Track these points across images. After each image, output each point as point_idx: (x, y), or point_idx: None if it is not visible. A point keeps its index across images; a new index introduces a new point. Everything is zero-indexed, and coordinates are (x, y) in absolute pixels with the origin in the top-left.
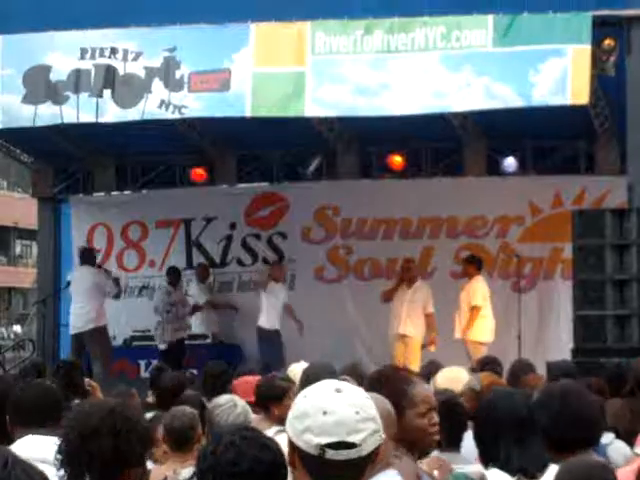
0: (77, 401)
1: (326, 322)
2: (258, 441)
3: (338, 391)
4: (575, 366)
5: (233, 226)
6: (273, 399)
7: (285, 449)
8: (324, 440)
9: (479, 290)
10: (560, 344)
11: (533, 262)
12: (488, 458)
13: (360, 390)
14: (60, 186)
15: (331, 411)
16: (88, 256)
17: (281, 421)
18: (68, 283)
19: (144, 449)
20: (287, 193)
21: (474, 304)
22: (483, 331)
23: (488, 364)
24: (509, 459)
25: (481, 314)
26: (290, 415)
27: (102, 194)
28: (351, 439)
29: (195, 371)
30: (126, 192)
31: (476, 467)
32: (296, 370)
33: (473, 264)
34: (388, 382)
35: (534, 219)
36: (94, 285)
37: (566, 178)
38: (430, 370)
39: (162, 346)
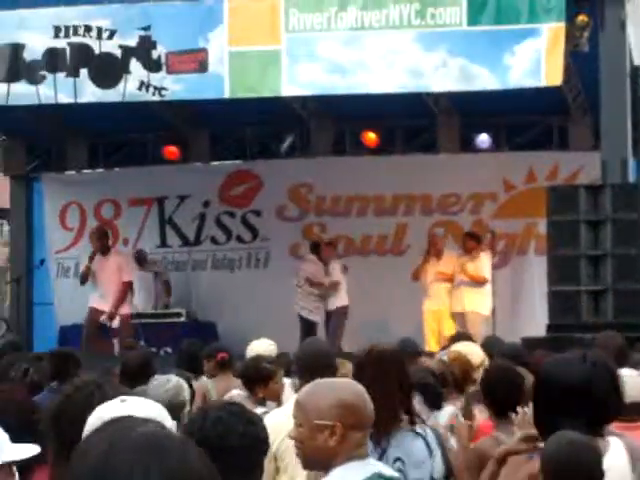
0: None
1: None
2: (244, 416)
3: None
4: (550, 341)
5: (207, 204)
6: (259, 382)
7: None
8: None
9: (486, 263)
10: (534, 320)
11: (507, 238)
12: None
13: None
14: (32, 164)
15: None
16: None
17: (264, 402)
18: (42, 261)
19: None
20: (261, 170)
21: (483, 275)
22: (487, 305)
23: (460, 340)
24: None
25: (487, 288)
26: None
27: (74, 172)
28: None
29: (169, 349)
30: (98, 170)
31: None
32: (256, 347)
33: (474, 238)
34: None
35: (507, 195)
36: None
37: (539, 154)
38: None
39: None
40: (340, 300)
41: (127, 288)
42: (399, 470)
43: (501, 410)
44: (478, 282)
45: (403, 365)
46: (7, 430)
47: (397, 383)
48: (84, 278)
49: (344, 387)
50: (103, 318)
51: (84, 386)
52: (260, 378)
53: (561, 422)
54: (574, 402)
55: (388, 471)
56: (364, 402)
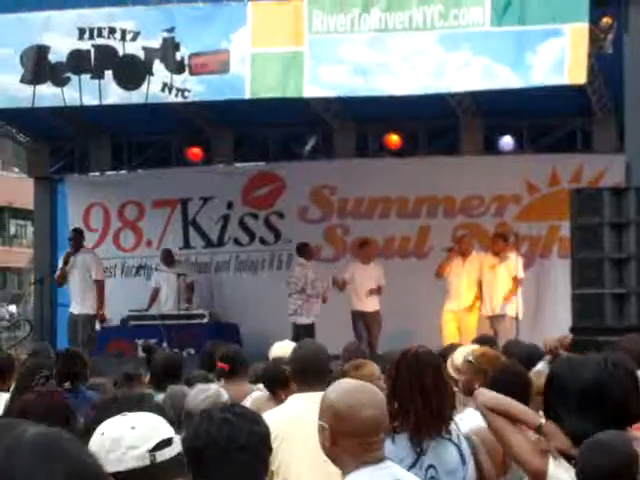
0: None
1: None
2: (248, 416)
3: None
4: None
5: (230, 206)
6: (280, 383)
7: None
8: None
9: (517, 263)
10: (557, 323)
11: (530, 241)
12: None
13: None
14: (56, 166)
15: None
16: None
17: None
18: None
19: None
20: (284, 172)
21: (518, 276)
22: (517, 306)
23: (484, 342)
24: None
25: (517, 290)
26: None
27: (98, 174)
28: None
29: (192, 350)
30: (122, 171)
31: None
32: (278, 349)
33: (503, 239)
34: None
35: (531, 197)
36: None
37: (563, 156)
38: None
39: None
40: (378, 303)
41: (102, 286)
42: (432, 477)
43: None
44: (513, 283)
45: (440, 369)
46: None
47: (434, 387)
48: (60, 281)
49: (343, 392)
50: (98, 324)
51: (125, 400)
52: (281, 380)
53: (574, 424)
54: (587, 404)
55: (406, 476)
56: (358, 410)
